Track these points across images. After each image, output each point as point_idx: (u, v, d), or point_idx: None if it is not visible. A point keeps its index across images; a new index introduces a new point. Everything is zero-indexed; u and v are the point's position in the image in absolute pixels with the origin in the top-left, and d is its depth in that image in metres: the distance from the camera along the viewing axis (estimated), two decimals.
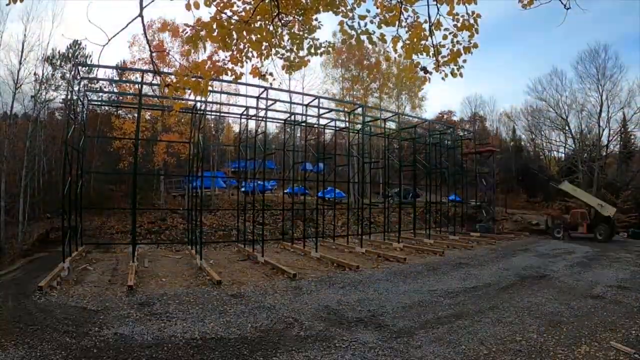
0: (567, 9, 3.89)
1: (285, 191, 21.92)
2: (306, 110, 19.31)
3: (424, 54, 4.03)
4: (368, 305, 8.83)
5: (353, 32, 3.94)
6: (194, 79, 3.81)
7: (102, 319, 7.54)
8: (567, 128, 35.13)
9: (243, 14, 3.71)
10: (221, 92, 22.16)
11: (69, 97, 14.00)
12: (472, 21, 3.85)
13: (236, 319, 7.74)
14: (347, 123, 22.21)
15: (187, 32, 3.81)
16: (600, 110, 32.32)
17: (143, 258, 14.36)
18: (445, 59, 4.01)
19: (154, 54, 5.02)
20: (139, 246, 15.54)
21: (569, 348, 6.32)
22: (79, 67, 16.32)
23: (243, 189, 20.89)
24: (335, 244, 19.15)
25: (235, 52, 3.87)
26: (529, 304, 8.99)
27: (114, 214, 21.00)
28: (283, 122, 20.82)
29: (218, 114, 24.96)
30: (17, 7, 29.34)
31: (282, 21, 3.99)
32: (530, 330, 7.15)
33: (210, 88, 17.90)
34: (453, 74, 4.08)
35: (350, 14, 3.94)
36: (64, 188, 13.11)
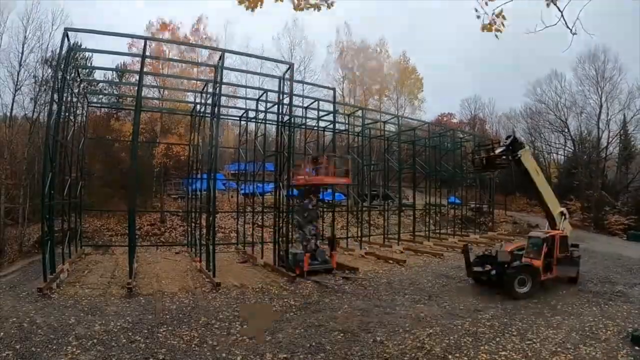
0: (574, 34, 3.87)
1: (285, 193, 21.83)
2: (306, 113, 19.35)
3: None
4: None
5: None
6: None
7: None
8: (566, 130, 35.05)
9: None
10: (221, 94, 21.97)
11: (68, 99, 13.98)
12: None
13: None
14: (346, 125, 22.20)
15: None
16: (600, 112, 32.20)
17: (143, 259, 14.33)
18: None
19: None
20: (139, 248, 15.51)
21: None
22: (79, 70, 16.31)
23: (242, 191, 20.82)
24: None
25: None
26: None
27: (114, 216, 20.92)
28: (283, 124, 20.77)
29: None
30: (18, 8, 29.43)
31: None
32: None
33: (210, 89, 17.82)
34: None
35: None
36: (64, 190, 13.12)
